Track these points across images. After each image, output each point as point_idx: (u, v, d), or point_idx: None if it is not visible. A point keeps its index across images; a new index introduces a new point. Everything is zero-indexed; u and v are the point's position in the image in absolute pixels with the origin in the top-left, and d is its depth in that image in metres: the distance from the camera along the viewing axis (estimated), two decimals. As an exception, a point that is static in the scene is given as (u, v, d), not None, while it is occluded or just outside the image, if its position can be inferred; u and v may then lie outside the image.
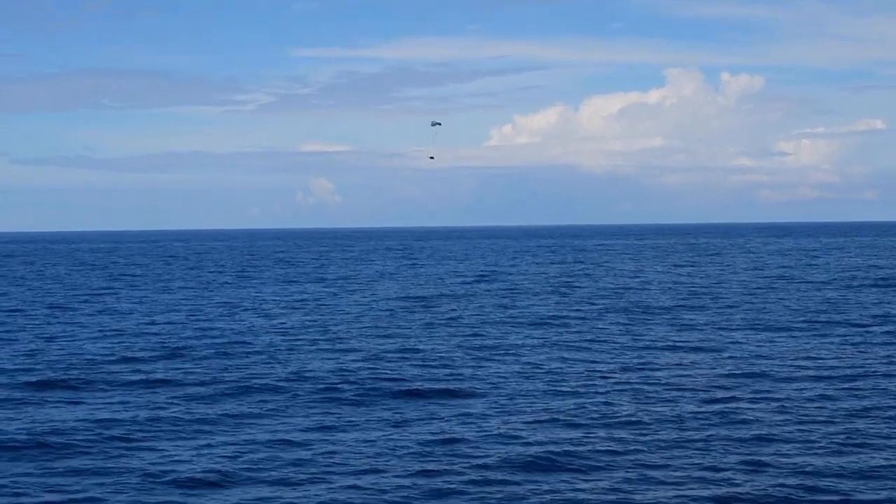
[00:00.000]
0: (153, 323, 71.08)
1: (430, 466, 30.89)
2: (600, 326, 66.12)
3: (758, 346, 55.95)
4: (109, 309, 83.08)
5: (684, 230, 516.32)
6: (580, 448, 32.92)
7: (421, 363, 50.62)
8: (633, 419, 37.04)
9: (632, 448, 32.93)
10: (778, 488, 28.52)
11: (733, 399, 40.62)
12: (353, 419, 37.68)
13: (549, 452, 32.28)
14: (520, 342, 58.48)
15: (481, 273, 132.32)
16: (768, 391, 42.23)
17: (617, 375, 46.62)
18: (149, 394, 43.05)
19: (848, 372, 46.67)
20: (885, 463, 30.90)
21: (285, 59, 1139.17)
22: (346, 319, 72.13)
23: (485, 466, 30.85)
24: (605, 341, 58.56)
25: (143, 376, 47.20)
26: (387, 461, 31.57)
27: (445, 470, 30.50)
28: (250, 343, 58.90)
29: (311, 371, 48.03)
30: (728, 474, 29.90)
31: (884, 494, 28.00)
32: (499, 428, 35.80)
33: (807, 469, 30.34)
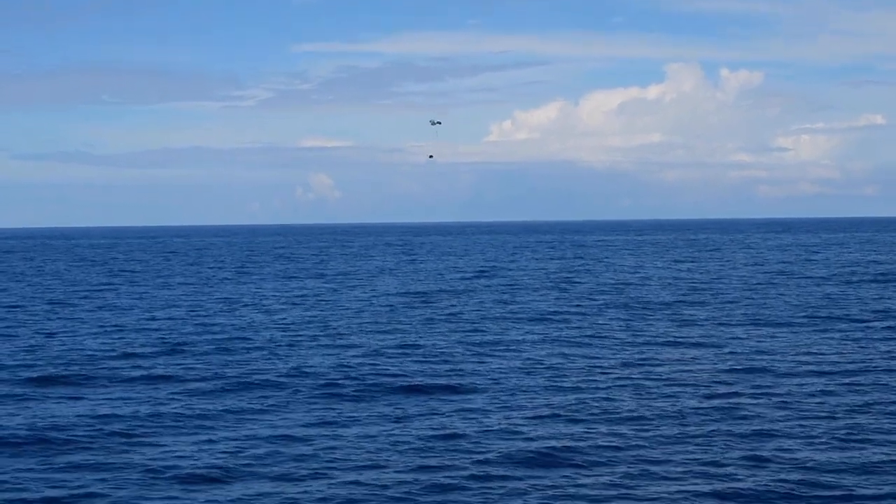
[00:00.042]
0: (153, 319, 71.08)
1: (431, 462, 30.90)
2: (600, 322, 66.12)
3: (758, 341, 55.95)
4: (109, 305, 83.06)
5: (684, 226, 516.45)
6: (581, 443, 32.92)
7: (421, 359, 50.63)
8: (635, 414, 37.05)
9: (633, 443, 32.94)
10: (779, 483, 28.52)
11: (734, 394, 40.62)
12: (353, 415, 37.68)
13: (550, 448, 32.29)
14: (520, 338, 58.47)
15: (481, 269, 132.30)
16: (769, 386, 42.23)
17: (618, 371, 46.62)
18: (150, 389, 43.05)
19: (849, 367, 46.68)
20: (886, 458, 30.90)
21: (285, 54, 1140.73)
22: (346, 315, 72.13)
23: (486, 462, 30.86)
24: (605, 337, 58.56)
25: (143, 372, 47.20)
26: (388, 457, 31.57)
27: (446, 465, 30.50)
28: (251, 339, 58.90)
29: (311, 367, 48.03)
30: (729, 469, 29.90)
31: (886, 489, 28.00)
32: (500, 423, 35.80)
33: (808, 464, 30.34)
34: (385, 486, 28.57)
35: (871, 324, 63.19)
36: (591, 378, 44.78)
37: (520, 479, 29.30)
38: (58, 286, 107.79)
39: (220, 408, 38.91)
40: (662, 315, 69.79)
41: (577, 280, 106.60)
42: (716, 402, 38.97)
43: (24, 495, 28.27)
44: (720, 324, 64.33)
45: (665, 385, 42.89)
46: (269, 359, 51.04)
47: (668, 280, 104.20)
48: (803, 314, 68.79)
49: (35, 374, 46.66)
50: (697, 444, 32.69)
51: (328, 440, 33.67)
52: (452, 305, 78.78)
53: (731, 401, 39.29)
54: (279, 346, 55.87)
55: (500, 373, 46.28)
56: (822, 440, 33.10)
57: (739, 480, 28.84)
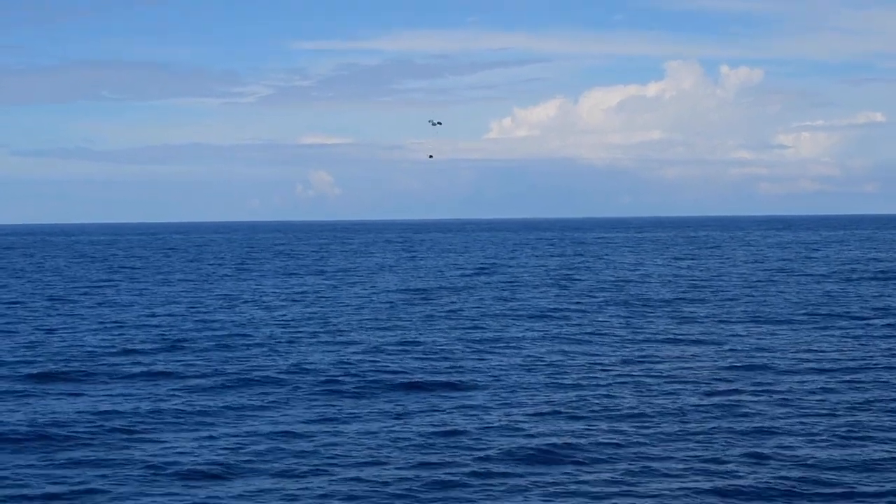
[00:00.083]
0: (153, 315, 71.07)
1: (432, 458, 30.89)
2: (601, 319, 66.12)
3: (759, 338, 55.95)
4: (109, 301, 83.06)
5: (684, 223, 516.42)
6: (582, 440, 32.92)
7: (422, 355, 50.63)
8: (635, 412, 37.04)
9: (634, 440, 32.93)
10: (780, 480, 28.52)
11: (735, 392, 40.62)
12: (354, 411, 37.68)
13: (551, 445, 32.28)
14: (520, 335, 58.47)
15: (481, 266, 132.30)
16: (770, 384, 42.22)
17: (618, 368, 46.62)
18: (150, 386, 43.05)
19: (849, 364, 46.69)
20: (887, 455, 30.90)
21: (285, 51, 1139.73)
22: (346, 312, 72.13)
23: (487, 458, 30.85)
24: (605, 334, 58.56)
25: (143, 368, 47.20)
26: (388, 453, 31.57)
27: (447, 462, 30.50)
28: (251, 335, 58.90)
29: (312, 363, 48.03)
30: (730, 466, 29.90)
31: (887, 487, 27.99)
32: (500, 420, 35.80)
33: (809, 461, 30.34)
34: (386, 483, 28.56)
35: (871, 321, 63.20)
36: (591, 375, 44.78)
37: (521, 475, 29.30)
38: (58, 282, 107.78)
39: (221, 404, 38.91)
40: (662, 312, 69.80)
41: (578, 277, 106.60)
42: (716, 400, 38.97)
43: (25, 491, 28.26)
44: (720, 321, 64.33)
45: (665, 382, 42.89)
46: (270, 355, 51.04)
47: (669, 277, 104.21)
48: (803, 311, 68.79)
49: (35, 371, 46.65)
50: (698, 441, 32.70)
51: (329, 437, 33.66)
52: (452, 302, 78.79)
53: (731, 398, 39.29)
54: (279, 342, 55.86)
55: (501, 369, 46.28)
56: (823, 437, 33.10)
57: (740, 477, 28.83)
